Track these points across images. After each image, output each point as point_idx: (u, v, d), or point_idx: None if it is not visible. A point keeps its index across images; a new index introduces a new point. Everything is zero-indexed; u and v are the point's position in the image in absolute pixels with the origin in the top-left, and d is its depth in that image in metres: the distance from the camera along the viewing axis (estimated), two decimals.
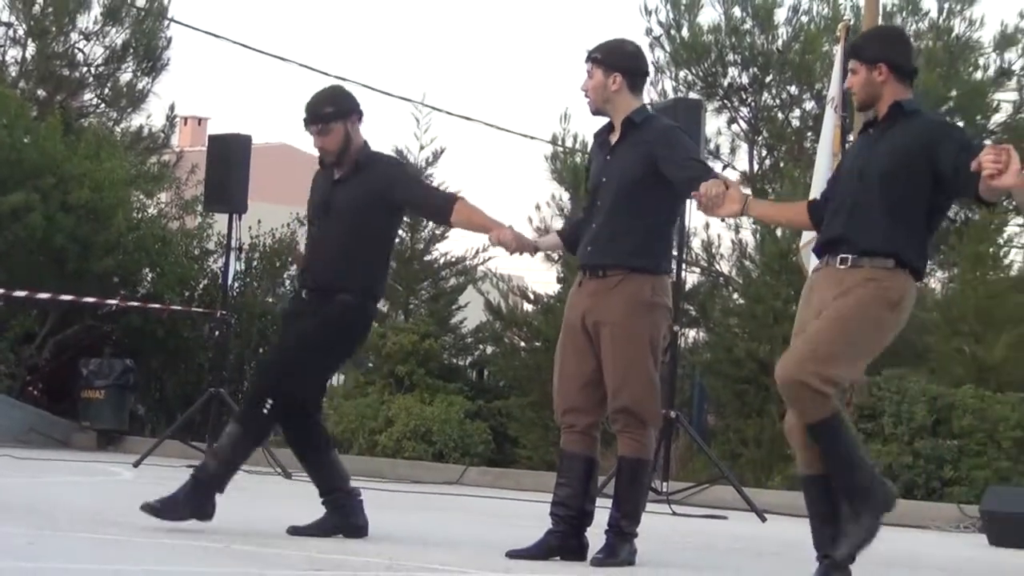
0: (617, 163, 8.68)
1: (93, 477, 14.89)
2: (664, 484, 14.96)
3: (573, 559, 8.58)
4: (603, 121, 8.89)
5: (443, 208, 9.36)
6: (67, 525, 8.86)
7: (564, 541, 8.63)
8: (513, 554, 8.48)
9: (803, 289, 8.15)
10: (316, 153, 9.41)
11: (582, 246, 8.77)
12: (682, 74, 24.22)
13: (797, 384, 7.52)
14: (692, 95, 22.64)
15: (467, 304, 23.54)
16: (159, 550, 7.96)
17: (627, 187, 8.58)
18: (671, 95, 23.41)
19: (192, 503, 8.90)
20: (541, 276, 24.42)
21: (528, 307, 23.05)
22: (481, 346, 23.15)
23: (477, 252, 23.52)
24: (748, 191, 8.51)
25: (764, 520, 14.13)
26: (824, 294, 7.73)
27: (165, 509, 8.79)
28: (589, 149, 9.15)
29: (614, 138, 8.75)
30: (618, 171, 8.65)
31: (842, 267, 7.69)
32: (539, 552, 8.54)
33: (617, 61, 8.71)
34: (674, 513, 14.21)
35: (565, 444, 8.76)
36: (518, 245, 8.95)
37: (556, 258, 23.98)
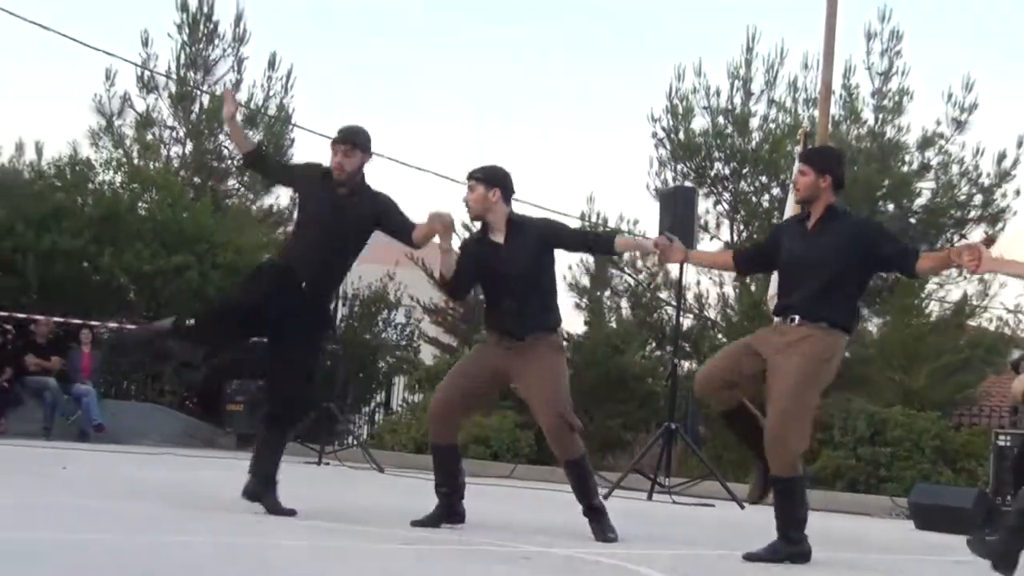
0: (512, 253, 8.67)
1: (233, 472, 14.86)
2: (666, 479, 14.90)
3: (458, 522, 8.70)
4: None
5: (409, 234, 8.97)
6: (213, 506, 8.86)
7: (449, 510, 8.70)
8: (416, 523, 8.54)
9: (759, 331, 8.31)
10: None
11: (499, 319, 8.70)
12: (679, 167, 24.26)
13: (777, 445, 7.79)
14: (687, 183, 22.61)
15: None
16: (280, 526, 7.94)
17: (530, 270, 8.63)
18: (671, 183, 23.42)
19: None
20: (573, 319, 24.33)
21: (563, 340, 23.02)
22: None
23: None
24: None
25: (743, 508, 14.04)
26: (772, 338, 7.96)
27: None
28: (463, 247, 8.98)
29: (499, 236, 8.77)
30: (518, 259, 8.64)
31: (791, 324, 7.92)
32: (433, 520, 8.60)
33: (494, 180, 8.78)
34: (674, 502, 14.16)
35: (439, 438, 8.73)
36: (444, 225, 8.69)
37: (583, 305, 24.04)
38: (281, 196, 26.79)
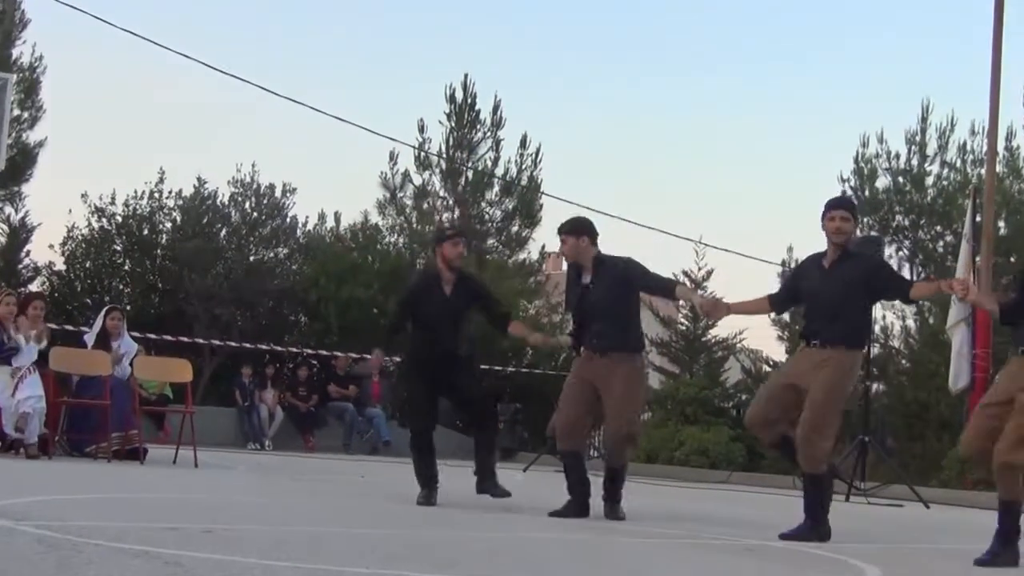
0: (597, 288, 8.80)
1: (501, 478, 14.96)
2: (861, 483, 14.60)
3: (585, 516, 8.68)
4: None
5: (505, 326, 9.55)
6: (487, 507, 8.92)
7: (582, 505, 8.75)
8: (553, 513, 8.60)
9: (792, 358, 8.49)
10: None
11: (587, 339, 8.84)
12: (865, 220, 23.82)
13: (808, 445, 7.85)
14: (872, 233, 22.24)
15: (729, 368, 23.33)
16: (536, 524, 7.98)
17: (611, 300, 8.75)
18: (859, 234, 23.00)
19: None
20: (776, 347, 24.08)
21: (768, 368, 22.77)
22: (739, 394, 22.88)
23: (736, 335, 23.33)
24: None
25: (928, 507, 13.71)
26: (803, 365, 8.03)
27: None
28: (567, 283, 9.19)
29: (587, 276, 8.89)
30: (601, 292, 8.77)
31: (814, 348, 8.03)
32: (570, 512, 8.65)
33: (580, 230, 8.91)
34: (868, 502, 13.87)
35: (569, 447, 8.88)
36: (540, 343, 9.11)
37: (784, 336, 23.72)
38: (532, 252, 27.00)
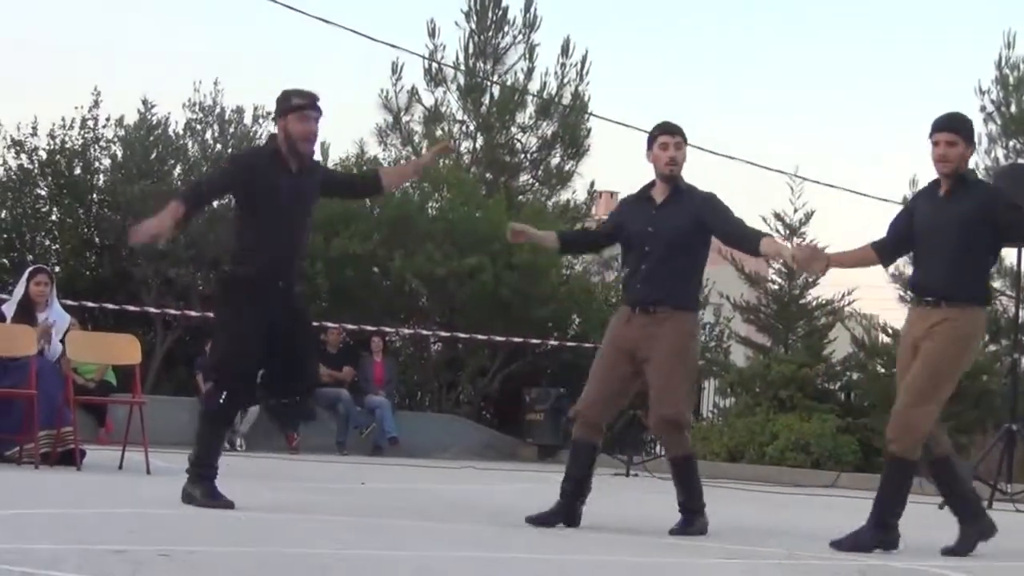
0: (672, 216, 8.77)
1: (536, 484, 15.06)
2: (1008, 485, 14.59)
3: (573, 525, 8.74)
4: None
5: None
6: (516, 522, 8.97)
7: (569, 511, 8.76)
8: (530, 519, 8.61)
9: (907, 322, 8.49)
10: None
11: (632, 286, 8.88)
12: (1012, 143, 23.68)
13: (903, 424, 8.07)
14: (1021, 161, 22.12)
15: (835, 338, 23.27)
16: (594, 542, 8.03)
17: (684, 237, 8.75)
18: (1003, 161, 22.91)
19: None
20: (897, 313, 24.01)
21: (886, 339, 22.74)
22: (848, 372, 22.86)
23: (843, 295, 23.26)
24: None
25: None
26: (915, 329, 8.19)
27: None
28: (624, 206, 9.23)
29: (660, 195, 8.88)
30: (675, 223, 8.75)
31: (927, 307, 8.14)
32: (550, 518, 8.69)
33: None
34: (1016, 510, 13.86)
35: (587, 437, 8.83)
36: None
37: (908, 296, 23.66)
38: (578, 191, 26.95)
